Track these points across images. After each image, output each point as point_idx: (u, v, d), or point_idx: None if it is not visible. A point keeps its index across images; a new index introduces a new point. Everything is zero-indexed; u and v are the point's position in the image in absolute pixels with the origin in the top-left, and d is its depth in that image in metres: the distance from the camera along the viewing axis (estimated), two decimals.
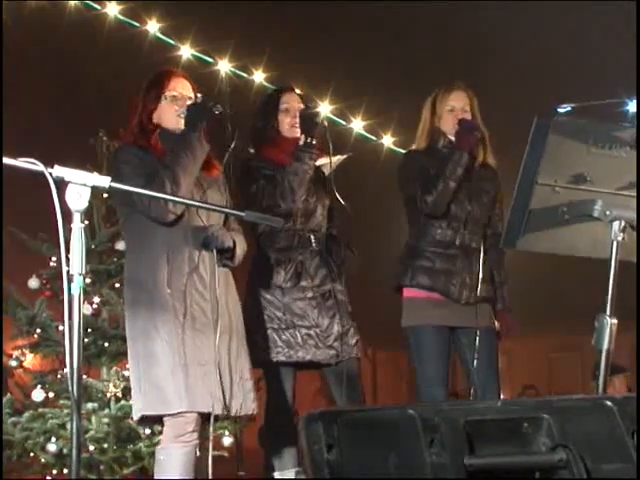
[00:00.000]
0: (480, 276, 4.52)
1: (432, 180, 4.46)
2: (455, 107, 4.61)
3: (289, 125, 4.43)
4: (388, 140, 8.45)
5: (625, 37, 6.88)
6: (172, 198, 3.74)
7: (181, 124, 3.93)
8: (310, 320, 4.30)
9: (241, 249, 3.99)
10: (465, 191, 4.54)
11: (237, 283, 4.07)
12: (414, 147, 4.73)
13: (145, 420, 3.97)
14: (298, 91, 4.61)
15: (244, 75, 7.90)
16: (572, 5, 7.07)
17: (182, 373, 3.72)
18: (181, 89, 4.00)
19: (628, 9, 6.65)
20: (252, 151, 4.48)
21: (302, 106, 4.47)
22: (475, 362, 4.49)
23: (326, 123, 4.39)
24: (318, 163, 4.41)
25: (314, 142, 4.27)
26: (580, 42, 7.47)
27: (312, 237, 4.40)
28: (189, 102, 3.96)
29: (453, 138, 4.57)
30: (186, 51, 7.75)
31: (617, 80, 6.52)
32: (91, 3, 7.53)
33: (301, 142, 4.29)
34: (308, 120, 4.30)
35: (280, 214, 4.20)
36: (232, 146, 3.99)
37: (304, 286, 4.32)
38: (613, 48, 7.25)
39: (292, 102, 4.47)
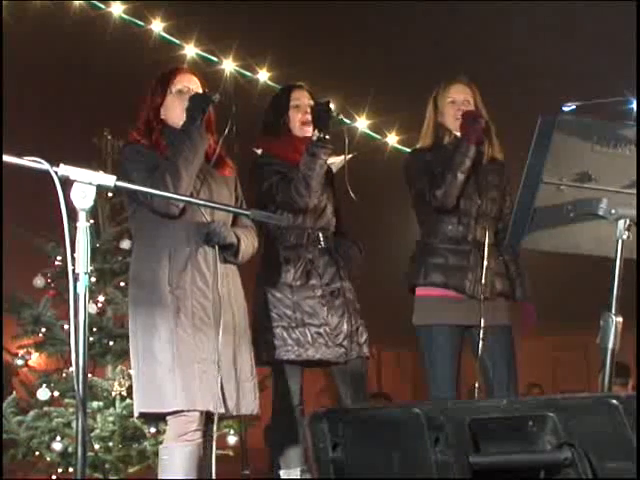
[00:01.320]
0: (485, 270, 4.49)
1: (440, 174, 4.45)
2: (456, 99, 4.59)
3: (300, 122, 4.42)
4: (393, 139, 8.44)
5: (625, 37, 6.87)
6: (177, 197, 3.74)
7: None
8: (320, 318, 4.29)
9: (248, 246, 3.97)
10: (474, 186, 4.53)
11: (246, 281, 4.06)
12: (419, 145, 4.71)
13: (147, 417, 3.97)
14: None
15: (248, 74, 7.90)
16: (572, 5, 7.07)
17: (180, 371, 3.72)
18: (187, 83, 4.00)
19: (628, 9, 6.64)
20: (259, 152, 4.47)
21: (312, 102, 4.45)
22: (489, 360, 4.48)
23: (342, 116, 4.37)
24: (329, 161, 4.41)
25: (328, 137, 4.25)
26: (580, 42, 7.47)
27: (321, 235, 4.40)
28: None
29: (458, 133, 4.56)
30: (190, 50, 7.73)
31: (617, 80, 6.52)
32: (95, 2, 7.53)
33: (314, 137, 4.27)
34: (321, 114, 4.28)
35: (295, 210, 4.21)
36: (225, 133, 3.97)
37: (313, 284, 4.32)
38: (613, 48, 7.24)
39: (303, 98, 4.46)
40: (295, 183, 4.23)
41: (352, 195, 4.39)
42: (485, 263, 4.48)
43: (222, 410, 3.78)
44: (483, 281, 4.45)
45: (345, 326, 4.33)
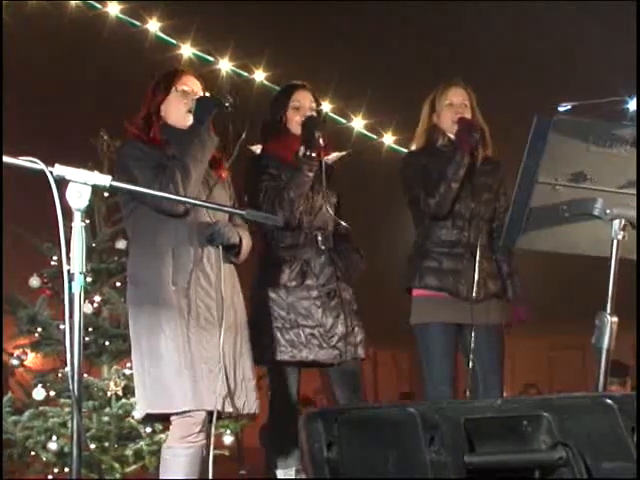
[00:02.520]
0: (478, 272, 4.50)
1: (434, 182, 4.46)
2: (454, 102, 4.61)
3: (298, 123, 4.42)
4: (389, 139, 8.46)
5: (625, 37, 6.88)
6: (174, 197, 3.72)
7: (187, 120, 3.93)
8: (314, 320, 4.29)
9: (247, 245, 3.98)
10: (467, 189, 4.53)
11: (242, 281, 4.06)
12: (413, 147, 4.73)
13: (148, 418, 3.96)
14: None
15: (245, 74, 7.91)
16: (572, 5, 7.07)
17: (187, 371, 3.71)
18: (191, 85, 4.01)
19: (628, 9, 6.65)
20: (257, 151, 4.47)
21: (314, 105, 4.45)
22: (477, 360, 4.49)
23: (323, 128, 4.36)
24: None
25: (313, 155, 4.25)
26: (580, 42, 7.48)
27: (319, 235, 4.40)
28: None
29: (452, 136, 4.57)
30: (187, 50, 7.75)
31: (617, 80, 6.53)
32: (92, 2, 7.54)
33: (300, 153, 4.28)
34: (309, 130, 4.28)
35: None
36: (243, 137, 3.97)
37: (309, 285, 4.31)
38: (613, 48, 7.25)
39: (304, 100, 4.45)
40: (280, 198, 4.23)
41: (339, 220, 4.41)
42: (477, 265, 4.49)
43: (229, 409, 3.78)
44: (476, 284, 4.46)
45: (340, 327, 4.33)
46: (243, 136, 3.97)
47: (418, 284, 4.53)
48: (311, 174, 4.26)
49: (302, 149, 4.27)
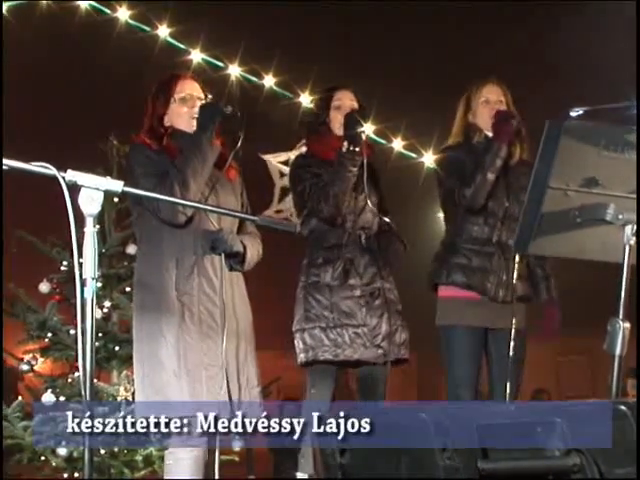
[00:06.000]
0: (515, 274, 4.47)
1: (470, 174, 4.45)
2: (490, 99, 4.60)
3: (340, 123, 4.42)
4: (398, 144, 8.44)
5: (625, 37, 6.87)
6: (184, 202, 3.72)
7: (194, 125, 3.91)
8: (358, 319, 4.28)
9: (253, 254, 3.95)
10: (503, 187, 4.51)
11: (249, 285, 4.05)
12: (449, 143, 4.71)
13: None
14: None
15: (254, 79, 7.91)
16: (572, 5, 7.07)
17: (186, 376, 3.71)
18: (190, 90, 3.98)
19: (628, 9, 6.65)
20: (304, 149, 4.50)
21: (355, 105, 4.46)
22: (497, 365, 4.48)
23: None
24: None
25: (357, 149, 4.26)
26: (580, 42, 7.47)
27: (362, 235, 4.40)
28: (200, 103, 3.95)
29: (489, 133, 4.56)
30: (196, 55, 7.76)
31: (616, 81, 6.52)
32: (102, 7, 7.55)
33: (344, 149, 4.27)
34: (351, 126, 4.28)
35: (324, 218, 4.23)
36: (237, 146, 3.97)
37: (352, 284, 4.31)
38: (613, 48, 7.24)
39: (345, 99, 4.48)
40: (324, 194, 4.25)
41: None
42: (507, 265, 4.46)
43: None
44: (504, 284, 4.44)
45: (384, 327, 4.31)
46: (239, 144, 3.96)
47: (445, 280, 4.49)
48: (354, 169, 4.27)
49: (345, 144, 4.27)
